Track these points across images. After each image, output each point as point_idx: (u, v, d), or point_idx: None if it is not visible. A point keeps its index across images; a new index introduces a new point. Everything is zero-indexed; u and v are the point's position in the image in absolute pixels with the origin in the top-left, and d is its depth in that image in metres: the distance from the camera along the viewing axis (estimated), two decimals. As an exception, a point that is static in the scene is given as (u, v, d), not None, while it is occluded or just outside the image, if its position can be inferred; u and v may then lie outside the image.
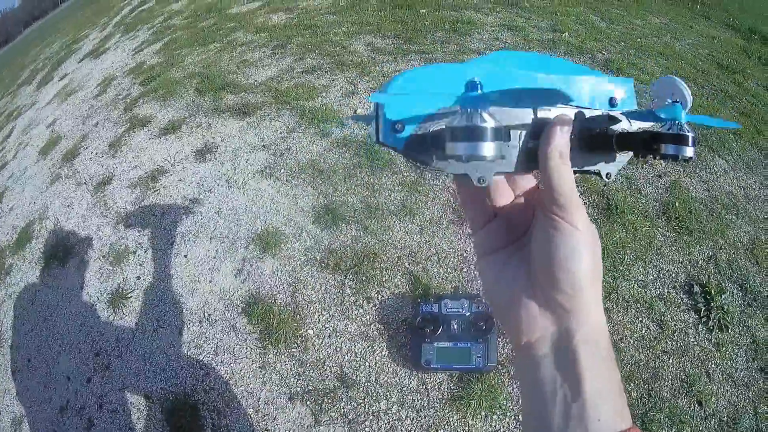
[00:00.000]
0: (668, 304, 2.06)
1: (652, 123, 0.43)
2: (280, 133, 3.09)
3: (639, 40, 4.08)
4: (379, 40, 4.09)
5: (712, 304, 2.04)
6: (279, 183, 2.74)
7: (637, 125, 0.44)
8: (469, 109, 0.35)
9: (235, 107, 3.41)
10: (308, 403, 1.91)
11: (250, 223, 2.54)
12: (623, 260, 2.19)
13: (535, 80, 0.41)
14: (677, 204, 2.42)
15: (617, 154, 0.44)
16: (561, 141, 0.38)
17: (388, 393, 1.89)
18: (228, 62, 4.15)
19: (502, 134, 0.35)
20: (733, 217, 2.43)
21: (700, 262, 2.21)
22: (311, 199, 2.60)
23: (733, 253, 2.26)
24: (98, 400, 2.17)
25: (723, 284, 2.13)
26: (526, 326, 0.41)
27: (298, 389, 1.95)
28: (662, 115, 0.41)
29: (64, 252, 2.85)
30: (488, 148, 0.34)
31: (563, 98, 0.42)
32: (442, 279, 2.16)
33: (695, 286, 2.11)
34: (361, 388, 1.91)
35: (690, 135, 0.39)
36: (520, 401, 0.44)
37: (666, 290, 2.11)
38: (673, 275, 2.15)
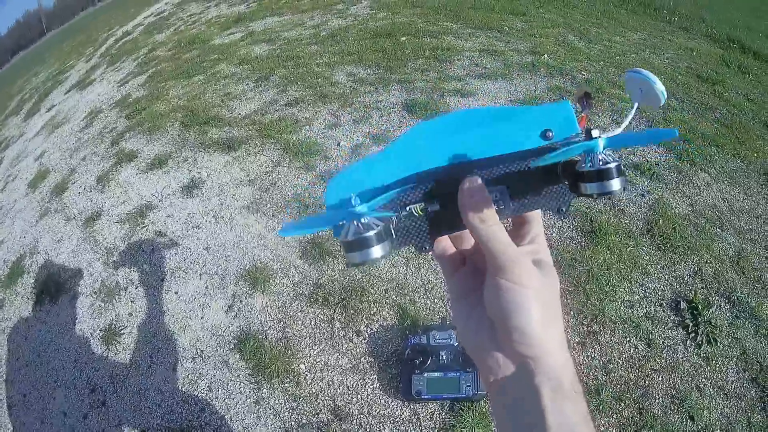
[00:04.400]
0: (655, 322, 2.08)
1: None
2: (265, 168, 3.12)
3: (618, 57, 4.14)
4: (360, 70, 4.14)
5: (699, 318, 2.05)
6: (266, 218, 2.76)
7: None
8: (347, 224, 0.37)
9: (221, 141, 3.44)
10: (303, 437, 1.91)
11: (239, 259, 2.56)
12: (609, 282, 2.20)
13: (449, 151, 0.42)
14: (661, 221, 2.44)
15: (566, 186, 0.42)
16: (477, 206, 0.39)
17: (381, 425, 1.89)
18: (212, 95, 4.19)
19: (385, 235, 0.37)
20: (718, 230, 2.45)
21: (686, 278, 2.22)
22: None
23: (719, 266, 2.27)
24: (96, 436, 2.16)
25: (710, 298, 2.14)
26: (492, 368, 0.42)
27: (293, 423, 1.95)
28: (577, 152, 0.38)
29: (56, 287, 2.85)
30: (375, 252, 0.36)
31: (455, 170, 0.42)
32: (430, 310, 2.18)
33: (682, 302, 2.12)
34: (355, 421, 1.92)
35: (611, 166, 0.37)
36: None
37: (653, 309, 2.12)
38: (660, 293, 2.17)
